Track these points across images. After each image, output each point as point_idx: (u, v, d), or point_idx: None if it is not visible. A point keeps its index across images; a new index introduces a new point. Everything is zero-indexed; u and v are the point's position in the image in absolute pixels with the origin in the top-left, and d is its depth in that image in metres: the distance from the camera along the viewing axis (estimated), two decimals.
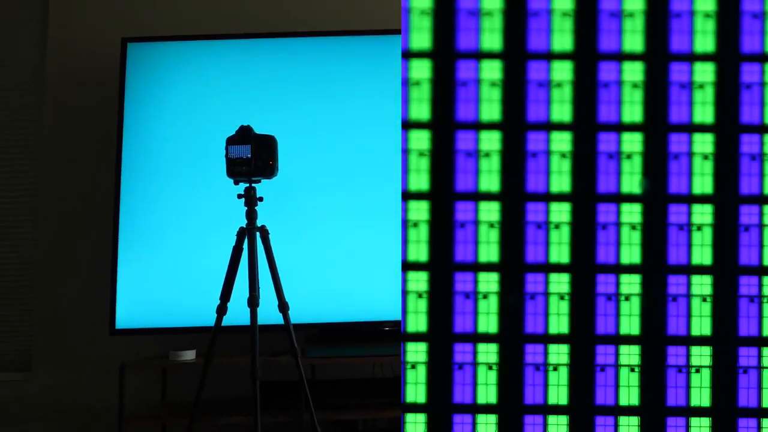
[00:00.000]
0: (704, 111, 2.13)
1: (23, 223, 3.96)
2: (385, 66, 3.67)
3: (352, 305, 3.48)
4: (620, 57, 2.15)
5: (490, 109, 2.13)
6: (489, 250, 2.12)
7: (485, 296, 2.11)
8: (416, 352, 2.11)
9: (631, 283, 2.11)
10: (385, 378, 3.53)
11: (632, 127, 2.14)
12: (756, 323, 2.09)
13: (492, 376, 2.11)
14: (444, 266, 2.12)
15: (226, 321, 2.89)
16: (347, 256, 3.53)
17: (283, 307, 2.92)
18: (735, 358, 2.08)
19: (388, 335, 3.48)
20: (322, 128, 3.64)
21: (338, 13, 4.06)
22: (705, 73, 2.14)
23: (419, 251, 2.12)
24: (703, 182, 2.12)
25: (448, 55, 2.14)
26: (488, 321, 2.11)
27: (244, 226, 2.91)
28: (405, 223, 2.12)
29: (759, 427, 2.07)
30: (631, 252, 2.12)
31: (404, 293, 2.12)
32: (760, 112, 2.13)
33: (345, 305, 3.49)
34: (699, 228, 2.12)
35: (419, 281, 2.12)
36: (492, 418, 2.11)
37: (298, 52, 3.71)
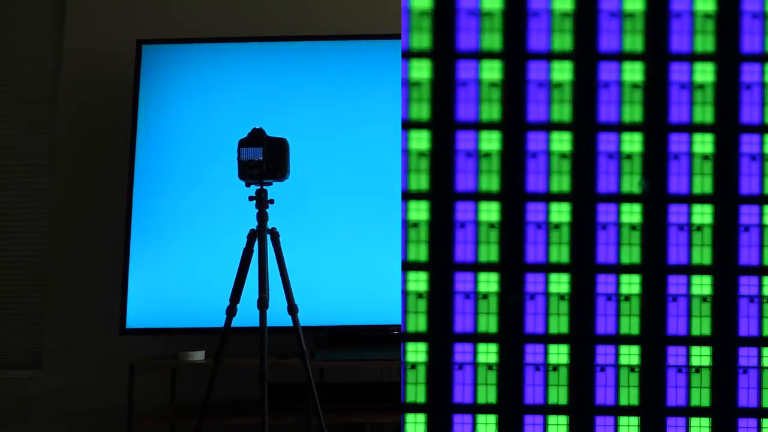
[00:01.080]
0: (704, 111, 2.12)
1: (36, 222, 4.00)
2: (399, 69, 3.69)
3: (361, 308, 3.49)
4: (620, 57, 2.14)
5: (490, 109, 2.14)
6: (489, 250, 2.12)
7: (485, 296, 2.11)
8: (416, 352, 2.11)
9: (631, 283, 2.10)
10: (393, 382, 3.53)
11: (632, 127, 2.13)
12: (756, 323, 2.07)
13: (492, 376, 2.10)
14: (444, 266, 2.12)
15: (236, 322, 2.90)
16: (357, 259, 3.54)
17: (293, 309, 2.92)
18: (735, 358, 2.07)
19: (397, 339, 3.48)
20: (334, 131, 3.65)
21: (355, 16, 4.08)
22: (705, 73, 2.13)
23: (419, 251, 2.13)
24: (703, 182, 2.11)
25: (448, 55, 2.14)
26: (488, 321, 2.11)
27: (255, 228, 2.92)
28: (405, 223, 2.13)
29: (759, 427, 2.05)
30: (631, 252, 2.11)
31: (404, 293, 2.12)
32: (760, 112, 2.11)
33: (354, 308, 3.49)
34: (699, 228, 2.10)
35: (419, 281, 2.12)
36: (492, 418, 2.10)
37: (312, 55, 3.73)
